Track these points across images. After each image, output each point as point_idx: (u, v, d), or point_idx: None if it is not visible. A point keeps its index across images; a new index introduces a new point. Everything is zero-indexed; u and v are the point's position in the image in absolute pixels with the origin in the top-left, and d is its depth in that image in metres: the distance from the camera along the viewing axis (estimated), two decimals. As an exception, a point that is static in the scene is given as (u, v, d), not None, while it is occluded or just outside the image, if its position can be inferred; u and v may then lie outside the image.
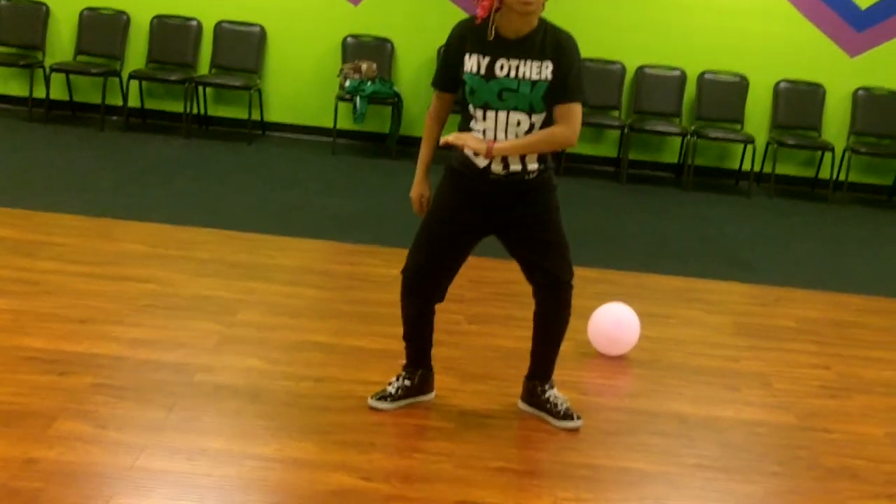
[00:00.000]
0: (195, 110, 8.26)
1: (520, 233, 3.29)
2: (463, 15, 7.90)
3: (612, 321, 4.18)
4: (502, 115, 3.13)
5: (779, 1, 8.17)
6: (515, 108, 3.12)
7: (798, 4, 8.18)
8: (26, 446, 2.96)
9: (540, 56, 3.08)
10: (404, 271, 3.36)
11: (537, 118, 3.15)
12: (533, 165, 3.22)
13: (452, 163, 3.31)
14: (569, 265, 3.33)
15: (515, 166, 3.20)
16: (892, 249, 6.84)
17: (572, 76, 3.09)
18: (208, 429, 3.20)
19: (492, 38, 3.08)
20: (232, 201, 6.17)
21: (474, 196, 3.26)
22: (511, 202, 3.25)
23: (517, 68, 3.09)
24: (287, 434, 3.21)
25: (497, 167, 3.20)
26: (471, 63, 3.13)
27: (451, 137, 3.12)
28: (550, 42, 3.08)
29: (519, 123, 3.14)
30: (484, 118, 3.16)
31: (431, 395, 3.56)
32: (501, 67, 3.09)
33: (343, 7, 8.20)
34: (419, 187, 3.38)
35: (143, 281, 4.47)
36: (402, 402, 3.48)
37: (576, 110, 3.10)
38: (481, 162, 3.21)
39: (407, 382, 3.50)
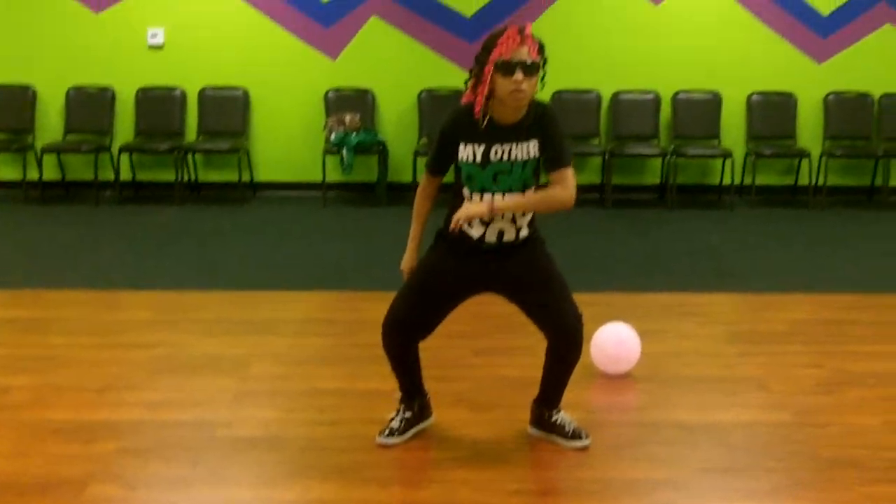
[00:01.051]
0: (186, 177, 8.43)
1: (517, 276, 3.40)
2: (437, 58, 8.18)
3: (614, 341, 4.30)
4: (498, 195, 3.29)
5: (743, 15, 8.43)
6: (510, 189, 3.29)
7: (762, 17, 8.44)
8: (62, 512, 3.09)
9: (527, 137, 3.26)
10: (385, 322, 3.48)
11: (529, 191, 3.33)
12: (524, 232, 3.39)
13: (445, 231, 3.43)
14: (573, 302, 3.42)
15: (509, 236, 3.36)
16: (875, 247, 7.02)
17: (557, 143, 3.26)
18: (234, 480, 3.33)
19: (483, 129, 3.24)
20: (230, 262, 6.33)
21: (465, 258, 3.40)
22: (503, 255, 3.39)
23: (510, 152, 3.25)
24: (309, 477, 3.34)
25: (491, 237, 3.35)
26: (466, 152, 3.28)
27: (456, 223, 3.23)
28: (534, 120, 3.25)
29: None
30: (481, 199, 3.31)
31: (432, 419, 3.70)
32: (496, 153, 3.25)
33: (322, 62, 8.43)
34: (410, 261, 3.53)
35: (153, 346, 4.61)
36: (409, 434, 3.62)
37: (569, 174, 3.25)
38: (475, 233, 3.36)
39: (408, 414, 3.64)
